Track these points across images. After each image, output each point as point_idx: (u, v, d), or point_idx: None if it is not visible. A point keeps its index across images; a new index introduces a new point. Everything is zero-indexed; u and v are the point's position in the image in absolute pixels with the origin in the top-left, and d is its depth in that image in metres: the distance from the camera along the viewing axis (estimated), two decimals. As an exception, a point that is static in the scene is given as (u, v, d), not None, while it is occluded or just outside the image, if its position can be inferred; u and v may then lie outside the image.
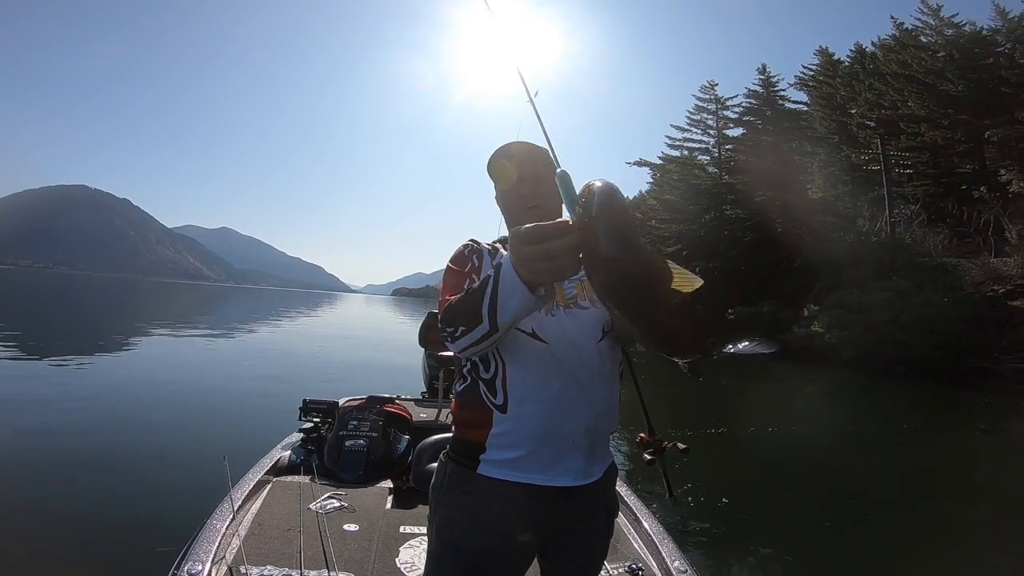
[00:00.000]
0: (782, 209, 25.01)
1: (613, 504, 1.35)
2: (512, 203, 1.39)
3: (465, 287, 1.13)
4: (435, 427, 4.49)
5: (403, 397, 4.88)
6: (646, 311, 0.89)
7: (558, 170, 0.97)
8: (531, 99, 1.57)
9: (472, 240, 1.40)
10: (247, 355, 14.13)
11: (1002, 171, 21.85)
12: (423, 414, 4.67)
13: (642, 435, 1.57)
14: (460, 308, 1.06)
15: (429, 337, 5.54)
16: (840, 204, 29.00)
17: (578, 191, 0.90)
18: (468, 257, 1.33)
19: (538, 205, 1.35)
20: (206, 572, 1.90)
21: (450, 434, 1.37)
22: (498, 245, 1.39)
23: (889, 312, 16.52)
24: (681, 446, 1.54)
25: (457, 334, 1.07)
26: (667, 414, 8.98)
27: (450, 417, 4.20)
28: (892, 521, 4.84)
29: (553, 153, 1.46)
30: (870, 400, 13.57)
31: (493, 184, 1.44)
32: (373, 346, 19.24)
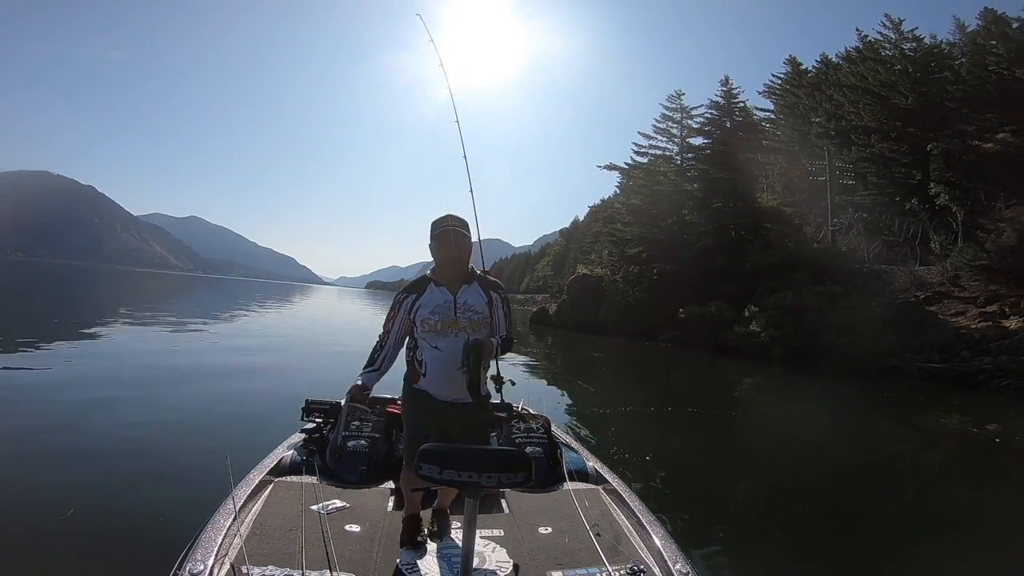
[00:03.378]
0: (735, 216, 26.51)
1: (482, 415, 2.61)
2: (447, 265, 2.46)
3: (387, 327, 2.59)
4: None
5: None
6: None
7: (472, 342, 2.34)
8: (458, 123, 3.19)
9: (405, 290, 2.55)
10: (241, 353, 13.86)
11: (931, 184, 23.56)
12: None
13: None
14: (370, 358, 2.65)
15: None
16: (795, 212, 30.64)
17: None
18: (395, 307, 2.54)
19: (455, 263, 2.46)
20: (208, 572, 1.91)
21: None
22: (420, 281, 2.54)
23: (818, 314, 18.06)
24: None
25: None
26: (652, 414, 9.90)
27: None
28: (869, 518, 4.98)
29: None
30: (799, 396, 14.92)
31: (431, 237, 2.44)
32: (365, 345, 19.40)
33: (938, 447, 9.27)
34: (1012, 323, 16.28)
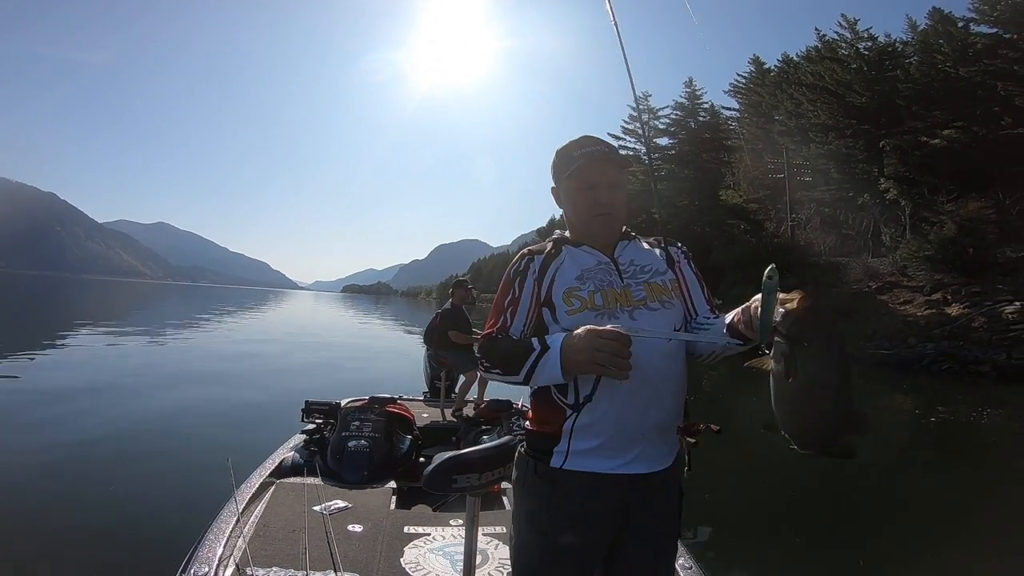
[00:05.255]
0: (700, 213, 27.44)
1: (681, 484, 1.39)
2: (583, 207, 1.35)
3: (503, 321, 1.33)
4: (439, 427, 4.57)
5: (405, 397, 4.90)
6: (809, 441, 1.03)
7: (769, 270, 1.04)
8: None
9: (527, 252, 1.39)
10: (234, 357, 13.87)
11: (881, 179, 24.77)
12: (425, 414, 4.83)
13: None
14: (503, 357, 1.27)
15: (435, 338, 5.74)
16: (760, 208, 31.71)
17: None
18: (512, 284, 1.35)
19: (609, 213, 1.34)
20: (212, 574, 1.91)
21: (473, 447, 1.70)
22: (549, 244, 1.41)
23: (776, 305, 18.93)
24: (714, 427, 1.47)
25: (493, 370, 1.29)
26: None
27: (451, 415, 5.04)
28: (875, 517, 4.96)
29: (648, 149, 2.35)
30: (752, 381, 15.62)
31: (559, 178, 1.41)
32: (358, 346, 19.30)
33: (894, 430, 9.76)
34: (954, 310, 17.40)
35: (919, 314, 18.14)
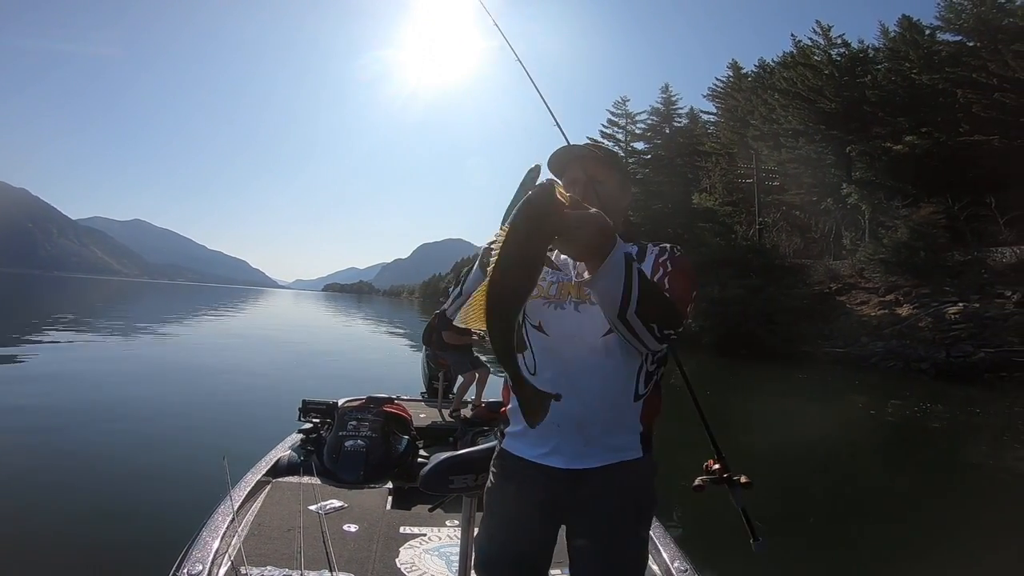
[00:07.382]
0: (672, 216, 28.19)
1: (645, 497, 1.35)
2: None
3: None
4: (437, 428, 4.58)
5: (402, 397, 4.92)
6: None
7: (532, 167, 1.21)
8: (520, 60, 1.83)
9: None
10: (235, 356, 13.97)
11: (844, 184, 25.70)
12: (423, 414, 4.86)
13: (710, 461, 1.45)
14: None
15: (433, 338, 5.65)
16: (734, 211, 32.43)
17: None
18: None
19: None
20: (206, 573, 1.91)
21: (470, 448, 1.73)
22: None
23: (740, 305, 19.83)
24: (744, 479, 1.40)
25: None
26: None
27: (449, 416, 5.18)
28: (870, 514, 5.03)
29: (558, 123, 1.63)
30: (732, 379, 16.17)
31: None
32: (357, 346, 19.48)
33: (857, 427, 10.05)
34: (904, 310, 18.34)
35: (873, 314, 19.06)
